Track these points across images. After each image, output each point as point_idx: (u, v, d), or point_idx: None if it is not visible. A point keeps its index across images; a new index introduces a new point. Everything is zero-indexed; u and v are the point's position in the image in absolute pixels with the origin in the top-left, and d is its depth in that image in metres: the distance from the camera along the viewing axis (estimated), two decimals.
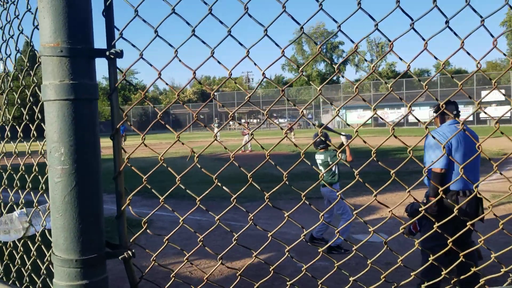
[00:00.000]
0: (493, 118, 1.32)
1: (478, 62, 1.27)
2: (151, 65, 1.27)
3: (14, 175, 1.74)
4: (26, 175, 1.66)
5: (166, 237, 1.35)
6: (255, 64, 1.26)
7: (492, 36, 1.26)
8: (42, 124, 1.24)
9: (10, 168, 1.77)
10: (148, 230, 1.36)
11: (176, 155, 17.41)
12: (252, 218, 1.36)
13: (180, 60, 1.27)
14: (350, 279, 1.38)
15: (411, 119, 40.27)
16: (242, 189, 1.35)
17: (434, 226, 1.38)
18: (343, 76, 1.38)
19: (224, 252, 1.43)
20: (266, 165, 1.41)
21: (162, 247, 1.43)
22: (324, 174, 6.18)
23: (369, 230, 1.37)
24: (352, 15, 1.22)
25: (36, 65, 1.36)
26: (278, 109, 58.07)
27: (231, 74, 1.25)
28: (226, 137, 30.05)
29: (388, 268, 1.35)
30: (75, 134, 1.10)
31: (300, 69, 1.25)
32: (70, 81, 1.10)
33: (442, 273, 1.41)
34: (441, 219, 1.53)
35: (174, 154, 17.85)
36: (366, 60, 1.18)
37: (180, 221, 1.33)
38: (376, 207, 8.12)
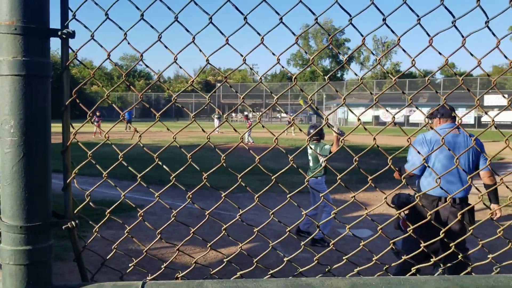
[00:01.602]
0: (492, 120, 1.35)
1: (479, 61, 1.29)
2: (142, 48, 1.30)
3: None
4: None
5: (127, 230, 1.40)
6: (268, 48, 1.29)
7: (495, 36, 1.28)
8: None
9: None
10: (91, 203, 1.41)
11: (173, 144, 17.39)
12: (241, 214, 1.41)
13: (165, 45, 1.33)
14: (326, 270, 1.42)
15: (411, 119, 40.17)
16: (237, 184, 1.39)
17: (409, 230, 1.42)
18: (349, 67, 1.41)
19: (213, 241, 1.48)
20: (263, 157, 1.45)
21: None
22: (311, 165, 6.38)
23: (347, 226, 1.41)
24: (365, 9, 1.25)
25: None
26: (280, 103, 57.75)
27: (208, 61, 1.31)
28: (227, 128, 30.05)
29: (367, 263, 1.40)
30: (25, 108, 1.16)
31: (311, 57, 1.31)
32: (23, 58, 1.15)
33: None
34: (421, 223, 1.54)
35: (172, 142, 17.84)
36: (373, 54, 1.21)
37: (155, 196, 1.38)
38: (364, 202, 8.18)
